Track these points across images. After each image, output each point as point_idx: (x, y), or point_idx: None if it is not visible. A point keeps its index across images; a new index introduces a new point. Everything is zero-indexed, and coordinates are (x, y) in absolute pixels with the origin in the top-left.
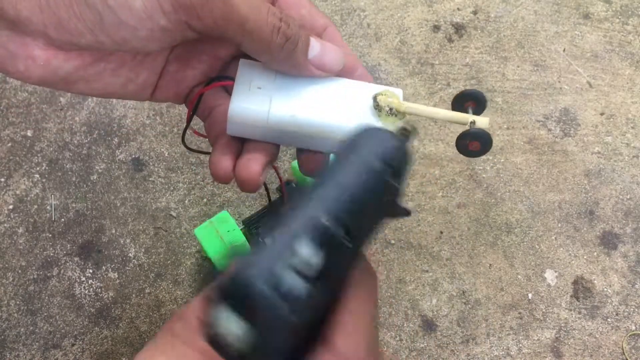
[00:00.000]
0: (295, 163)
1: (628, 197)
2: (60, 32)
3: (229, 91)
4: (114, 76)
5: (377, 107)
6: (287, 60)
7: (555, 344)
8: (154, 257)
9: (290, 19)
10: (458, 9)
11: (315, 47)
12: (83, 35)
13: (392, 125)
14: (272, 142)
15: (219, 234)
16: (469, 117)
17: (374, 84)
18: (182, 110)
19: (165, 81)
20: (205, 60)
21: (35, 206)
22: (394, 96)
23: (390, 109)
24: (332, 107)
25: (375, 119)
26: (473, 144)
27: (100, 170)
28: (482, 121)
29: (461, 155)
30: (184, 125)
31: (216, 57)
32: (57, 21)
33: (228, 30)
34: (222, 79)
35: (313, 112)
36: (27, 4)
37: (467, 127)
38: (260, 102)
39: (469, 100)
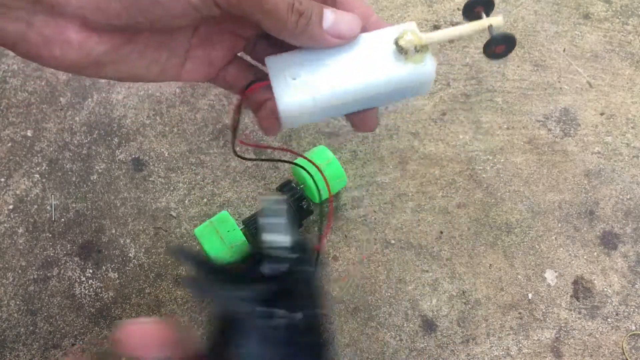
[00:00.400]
0: (295, 168)
1: (628, 197)
2: (97, 13)
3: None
4: (140, 58)
5: (401, 50)
6: (303, 34)
7: (555, 344)
8: (154, 257)
9: None
10: (458, 9)
11: (329, 17)
12: (119, 16)
13: (421, 61)
14: (323, 119)
15: (219, 234)
16: (484, 22)
17: (389, 27)
18: (182, 110)
19: (192, 63)
20: (229, 39)
21: (35, 206)
22: (413, 34)
23: (415, 47)
24: (362, 67)
25: (401, 63)
26: (499, 47)
27: (100, 170)
28: (497, 21)
29: (461, 155)
30: (184, 125)
31: (239, 36)
32: (95, 2)
33: (248, 8)
34: (257, 81)
35: (349, 81)
36: None
37: (488, 35)
38: (302, 93)
39: (478, 6)
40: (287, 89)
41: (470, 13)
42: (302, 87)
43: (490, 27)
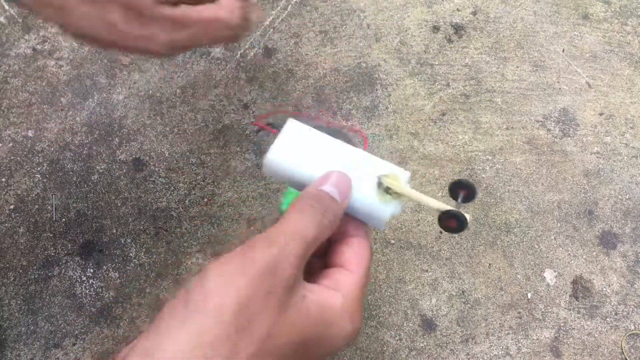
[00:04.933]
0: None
1: (627, 197)
2: None
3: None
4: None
5: (380, 185)
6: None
7: (554, 344)
8: (154, 256)
9: None
10: (457, 9)
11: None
12: None
13: (387, 202)
14: (294, 186)
15: None
16: (449, 207)
17: (391, 164)
18: (183, 110)
19: None
20: None
21: (36, 206)
22: (396, 180)
23: (390, 191)
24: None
25: (374, 194)
26: (452, 222)
27: (101, 171)
28: (464, 216)
29: (461, 155)
30: (185, 125)
31: None
32: None
33: None
34: (272, 126)
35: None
36: None
37: (448, 208)
38: (292, 159)
39: (463, 189)
40: (284, 148)
41: (454, 191)
42: (295, 155)
43: (450, 211)
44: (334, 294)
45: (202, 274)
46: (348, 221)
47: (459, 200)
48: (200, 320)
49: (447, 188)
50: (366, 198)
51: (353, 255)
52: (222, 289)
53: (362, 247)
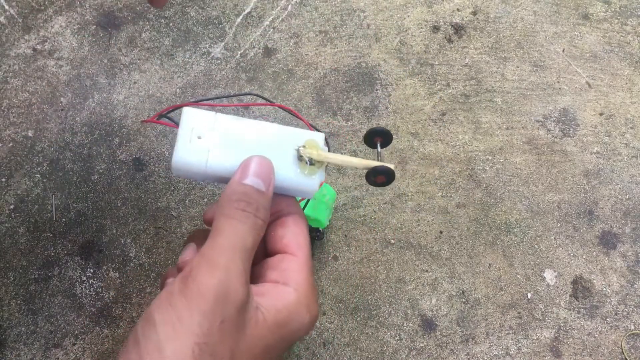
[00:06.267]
0: None
1: (627, 197)
2: None
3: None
4: None
5: (300, 158)
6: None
7: (554, 344)
8: (154, 256)
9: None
10: (457, 9)
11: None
12: None
13: (311, 173)
14: (212, 183)
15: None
16: (373, 162)
17: (302, 129)
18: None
19: None
20: None
21: (36, 206)
22: (315, 147)
23: (311, 160)
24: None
25: (296, 167)
26: (380, 178)
27: (101, 171)
28: (386, 168)
29: (461, 155)
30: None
31: None
32: None
33: None
34: (166, 117)
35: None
36: None
37: (374, 165)
38: (199, 155)
39: (377, 136)
40: (187, 146)
41: (369, 141)
42: (201, 151)
43: (376, 167)
44: (285, 290)
45: (149, 324)
46: (277, 198)
47: (378, 148)
48: None
49: (445, 186)
50: (290, 176)
51: (292, 236)
52: (174, 337)
53: (298, 225)
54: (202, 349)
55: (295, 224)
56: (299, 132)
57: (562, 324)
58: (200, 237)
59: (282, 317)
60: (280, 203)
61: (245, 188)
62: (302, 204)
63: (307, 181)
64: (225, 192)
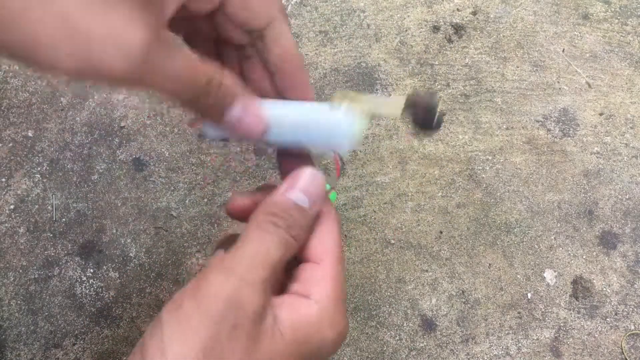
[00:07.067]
0: None
1: (627, 197)
2: None
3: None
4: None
5: (333, 106)
6: (205, 114)
7: (554, 344)
8: (154, 256)
9: (215, 84)
10: (457, 9)
11: (236, 111)
12: None
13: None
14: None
15: None
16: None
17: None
18: (183, 110)
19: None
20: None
21: (36, 206)
22: (349, 99)
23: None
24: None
25: (332, 112)
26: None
27: (101, 170)
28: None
29: (461, 155)
30: (185, 126)
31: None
32: None
33: (158, 91)
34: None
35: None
36: None
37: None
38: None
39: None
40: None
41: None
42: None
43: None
44: (306, 303)
45: (157, 324)
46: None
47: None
48: None
49: (445, 186)
50: (324, 118)
51: (318, 242)
52: (179, 338)
53: (328, 227)
54: (207, 355)
55: (324, 226)
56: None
57: (562, 324)
58: (229, 243)
59: (302, 334)
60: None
61: (287, 203)
62: None
63: (334, 113)
64: (266, 201)
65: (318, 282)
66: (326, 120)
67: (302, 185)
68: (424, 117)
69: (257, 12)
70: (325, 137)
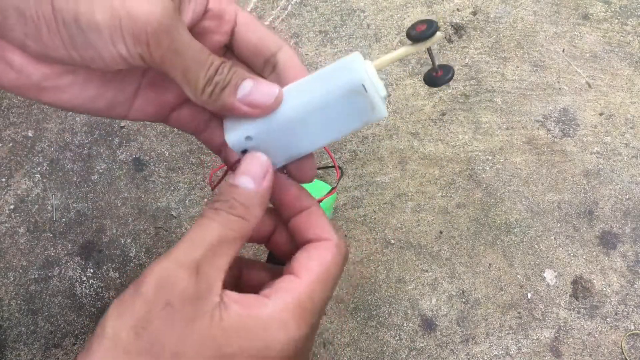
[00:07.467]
0: None
1: (627, 197)
2: (37, 43)
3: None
4: (83, 90)
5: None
6: (215, 104)
7: (554, 344)
8: (154, 256)
9: (227, 66)
10: (457, 9)
11: (246, 87)
12: (57, 49)
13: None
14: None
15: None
16: (423, 45)
17: (335, 63)
18: None
19: (140, 103)
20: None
21: (36, 206)
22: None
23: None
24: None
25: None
26: (438, 73)
27: (101, 170)
28: (436, 37)
29: (461, 155)
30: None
31: None
32: (37, 34)
33: (171, 71)
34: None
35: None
36: (13, 12)
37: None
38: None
39: (419, 25)
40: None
41: (413, 30)
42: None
43: (429, 48)
44: (262, 302)
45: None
46: (310, 224)
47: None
48: (100, 356)
49: (445, 186)
50: (333, 65)
51: (305, 260)
52: (115, 318)
53: (319, 250)
54: (139, 333)
55: (316, 249)
56: (335, 64)
57: (562, 324)
58: None
59: (243, 324)
60: (313, 227)
61: (225, 188)
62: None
63: (343, 61)
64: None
65: (285, 290)
66: (336, 64)
67: (242, 169)
68: (422, 30)
69: (268, 39)
70: (339, 77)
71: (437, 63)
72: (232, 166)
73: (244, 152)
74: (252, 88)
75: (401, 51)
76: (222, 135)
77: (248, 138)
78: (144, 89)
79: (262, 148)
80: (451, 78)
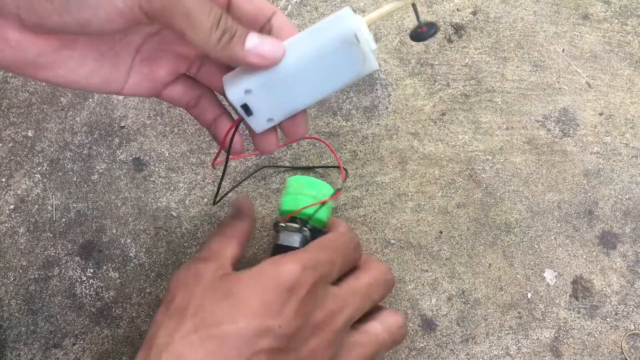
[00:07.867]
0: (282, 205)
1: (627, 197)
2: (30, 13)
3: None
4: (79, 65)
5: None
6: (225, 51)
7: (554, 344)
8: (154, 256)
9: (229, 18)
10: (457, 9)
11: (253, 39)
12: (51, 16)
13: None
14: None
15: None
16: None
17: (328, 18)
18: (183, 110)
19: (135, 78)
20: (172, 59)
21: (36, 206)
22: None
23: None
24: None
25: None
26: (422, 29)
27: (101, 170)
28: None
29: (461, 155)
30: (185, 125)
31: (181, 56)
32: (28, 3)
33: (174, 18)
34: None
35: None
36: None
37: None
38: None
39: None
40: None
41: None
42: (259, 100)
43: (414, 4)
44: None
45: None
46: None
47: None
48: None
49: (445, 186)
50: (330, 17)
51: None
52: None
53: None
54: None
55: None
56: (331, 18)
57: (562, 324)
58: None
59: (254, 270)
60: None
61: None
62: (312, 209)
63: (336, 15)
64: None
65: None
66: (328, 19)
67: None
68: None
69: (264, 7)
70: (333, 30)
71: (421, 20)
72: (222, 142)
73: (244, 107)
74: (260, 40)
75: (389, 7)
76: (214, 111)
77: (248, 92)
78: (138, 65)
79: (261, 102)
80: (435, 33)
